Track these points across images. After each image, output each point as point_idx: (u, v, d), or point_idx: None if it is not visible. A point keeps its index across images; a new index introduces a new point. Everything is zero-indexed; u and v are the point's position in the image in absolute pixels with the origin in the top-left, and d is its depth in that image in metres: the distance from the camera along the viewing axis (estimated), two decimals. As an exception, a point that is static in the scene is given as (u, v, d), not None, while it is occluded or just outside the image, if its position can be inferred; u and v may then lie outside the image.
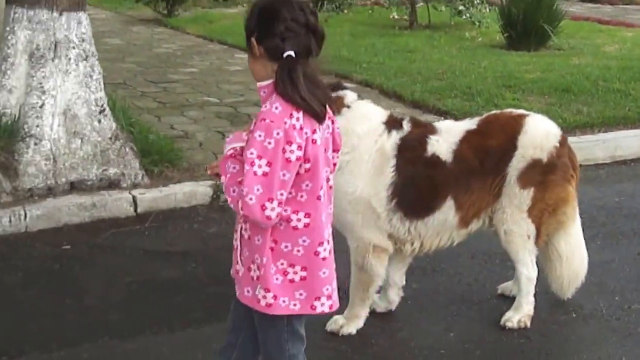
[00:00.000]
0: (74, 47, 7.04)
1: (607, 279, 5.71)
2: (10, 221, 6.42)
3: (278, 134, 3.29)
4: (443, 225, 5.07)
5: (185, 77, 11.25)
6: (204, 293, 5.46)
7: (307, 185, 3.43)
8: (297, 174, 3.39)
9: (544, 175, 5.08)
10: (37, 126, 6.87)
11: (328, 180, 3.58)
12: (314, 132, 3.39)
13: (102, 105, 7.16)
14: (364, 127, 4.90)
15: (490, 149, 5.05)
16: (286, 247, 3.47)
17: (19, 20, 6.98)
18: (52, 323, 5.15)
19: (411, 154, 4.95)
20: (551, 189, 5.11)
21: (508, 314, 5.21)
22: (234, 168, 3.44)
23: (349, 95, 4.96)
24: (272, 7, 3.40)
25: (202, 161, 7.36)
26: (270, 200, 3.30)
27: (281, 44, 3.35)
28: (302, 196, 3.44)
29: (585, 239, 5.41)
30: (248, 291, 3.54)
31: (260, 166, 3.28)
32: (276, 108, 3.33)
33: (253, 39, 3.41)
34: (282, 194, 3.34)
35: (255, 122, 3.38)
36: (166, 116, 9.03)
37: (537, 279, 5.23)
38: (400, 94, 9.95)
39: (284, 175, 3.31)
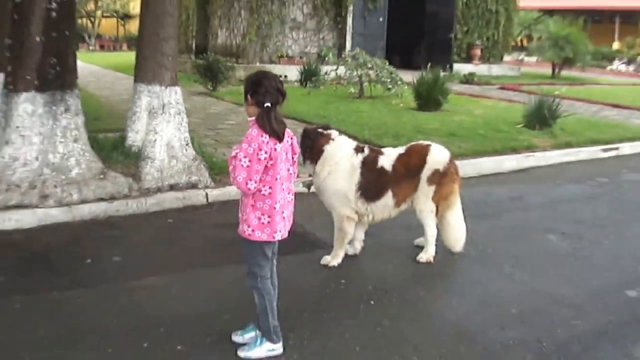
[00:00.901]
0: (172, 107, 7.25)
1: (474, 236, 5.84)
2: (137, 206, 6.62)
3: (254, 145, 3.59)
4: (385, 206, 5.23)
5: (228, 126, 11.20)
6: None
7: (271, 172, 3.68)
8: (266, 166, 3.64)
9: (440, 178, 5.25)
10: (152, 152, 7.10)
11: (288, 170, 3.79)
12: (275, 144, 3.64)
13: (187, 141, 7.36)
14: (343, 152, 5.10)
15: (411, 164, 5.22)
16: (259, 204, 3.71)
17: (142, 92, 7.23)
18: (180, 252, 5.45)
19: (369, 166, 5.12)
20: (444, 186, 5.28)
21: (421, 255, 5.45)
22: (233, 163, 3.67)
23: (334, 133, 5.16)
24: (259, 79, 3.65)
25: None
26: (250, 180, 3.60)
27: (263, 99, 3.60)
28: (268, 178, 3.68)
29: (463, 216, 5.50)
30: (241, 227, 3.78)
31: (244, 162, 3.59)
32: (254, 132, 3.62)
33: (248, 95, 3.66)
34: (256, 177, 3.61)
35: (244, 137, 3.66)
36: (220, 148, 9.07)
37: (436, 237, 5.44)
38: (356, 136, 9.70)
39: (257, 167, 3.61)
